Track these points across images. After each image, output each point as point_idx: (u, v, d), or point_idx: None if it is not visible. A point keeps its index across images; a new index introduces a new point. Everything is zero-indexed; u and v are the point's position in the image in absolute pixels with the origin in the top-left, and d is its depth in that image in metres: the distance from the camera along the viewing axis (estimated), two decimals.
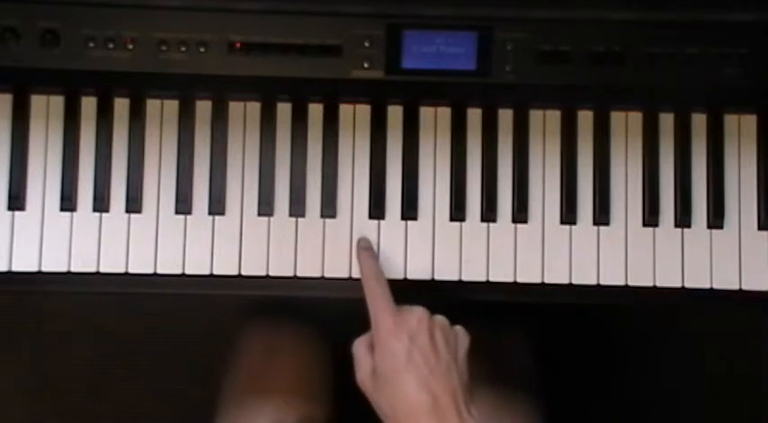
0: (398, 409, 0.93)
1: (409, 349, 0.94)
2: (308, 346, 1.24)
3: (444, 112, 1.10)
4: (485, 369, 1.21)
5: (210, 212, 1.08)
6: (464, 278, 1.08)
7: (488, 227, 1.09)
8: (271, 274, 1.07)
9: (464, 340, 0.98)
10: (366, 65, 1.07)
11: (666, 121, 1.11)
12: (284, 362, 1.22)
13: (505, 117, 1.10)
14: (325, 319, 1.28)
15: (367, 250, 1.05)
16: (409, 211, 1.09)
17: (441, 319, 0.97)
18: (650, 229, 1.09)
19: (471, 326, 1.27)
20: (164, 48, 1.06)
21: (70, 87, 1.08)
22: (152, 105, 1.09)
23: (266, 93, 1.09)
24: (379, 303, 0.98)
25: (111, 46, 1.05)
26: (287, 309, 1.28)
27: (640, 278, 1.08)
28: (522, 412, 1.18)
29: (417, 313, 0.96)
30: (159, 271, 1.07)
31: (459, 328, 0.99)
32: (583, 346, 1.71)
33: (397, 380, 0.93)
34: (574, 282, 1.08)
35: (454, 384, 0.93)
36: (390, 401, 0.94)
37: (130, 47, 1.06)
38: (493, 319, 1.30)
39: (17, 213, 1.07)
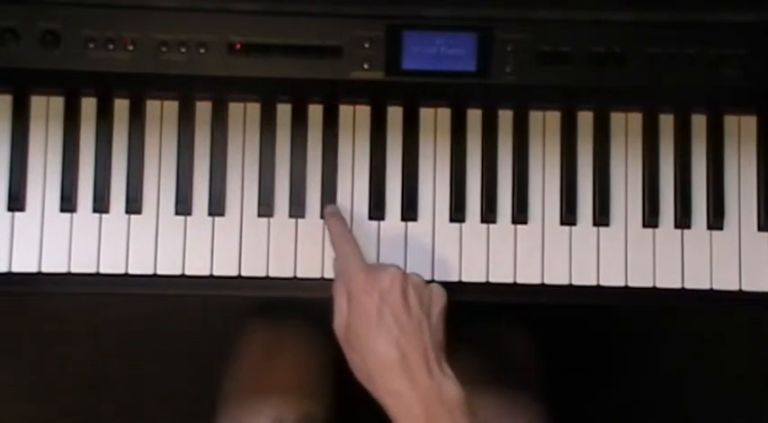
0: (369, 365, 0.94)
1: (380, 307, 0.94)
2: (308, 344, 1.24)
3: (444, 113, 1.10)
4: (488, 370, 1.21)
5: (210, 213, 1.08)
6: (464, 279, 1.08)
7: (488, 228, 1.09)
8: (271, 274, 1.07)
9: (439, 299, 0.98)
10: (366, 66, 1.07)
11: (666, 121, 1.11)
12: (284, 361, 1.22)
13: (505, 118, 1.10)
14: (325, 318, 1.28)
15: (335, 214, 1.06)
16: (409, 211, 1.09)
17: (415, 276, 0.97)
18: (650, 229, 1.09)
19: (473, 327, 1.27)
20: (164, 49, 1.06)
21: (70, 88, 1.08)
22: (152, 106, 1.09)
23: (266, 93, 1.09)
24: (350, 260, 0.98)
25: (111, 47, 1.05)
26: (287, 308, 1.28)
27: (640, 279, 1.08)
28: (525, 413, 1.18)
29: (390, 271, 0.96)
30: (159, 272, 1.07)
31: (434, 285, 0.99)
32: (585, 346, 1.71)
33: (369, 337, 0.94)
34: (574, 282, 1.08)
35: (425, 341, 0.93)
36: (362, 357, 0.94)
37: (130, 48, 1.05)
38: (495, 320, 1.30)
39: (17, 214, 1.07)
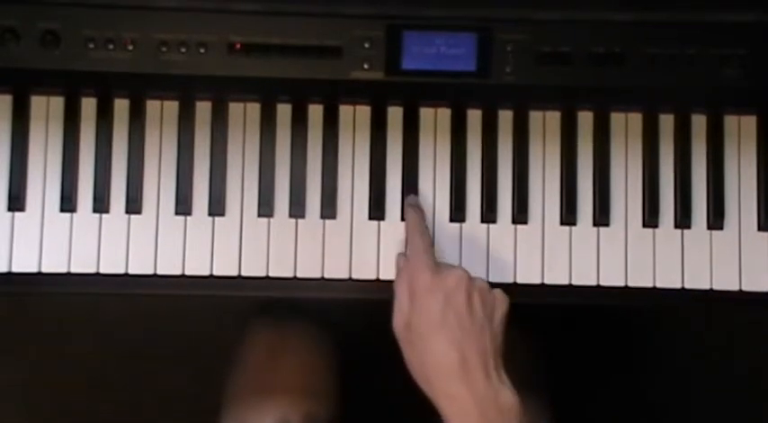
0: (427, 366, 0.93)
1: (444, 309, 0.94)
2: (312, 344, 1.24)
3: (444, 113, 1.10)
4: None
5: (210, 213, 1.08)
6: None
7: (488, 228, 1.09)
8: (271, 274, 1.07)
9: (502, 304, 0.98)
10: (366, 66, 1.07)
11: (666, 121, 1.11)
12: (289, 360, 1.22)
13: (505, 118, 1.10)
14: (329, 317, 1.28)
15: (414, 206, 1.05)
16: None
17: (480, 280, 0.97)
18: (650, 229, 1.09)
19: None
20: (164, 49, 1.06)
21: (70, 88, 1.08)
22: (152, 106, 1.09)
23: (266, 93, 1.09)
24: (419, 256, 0.98)
25: (111, 47, 1.05)
26: (291, 307, 1.28)
27: (640, 279, 1.08)
28: (528, 412, 1.18)
29: (456, 273, 0.96)
30: (159, 272, 1.07)
31: (498, 291, 0.98)
32: (585, 346, 1.71)
33: (429, 338, 0.93)
34: (574, 282, 1.08)
35: (485, 347, 0.93)
36: (420, 357, 0.94)
37: (130, 48, 1.05)
38: None
39: (17, 214, 1.07)
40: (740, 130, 1.11)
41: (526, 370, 1.25)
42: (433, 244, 1.03)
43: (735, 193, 1.10)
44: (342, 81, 1.07)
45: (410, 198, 1.07)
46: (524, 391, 1.20)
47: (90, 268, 1.06)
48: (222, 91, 1.09)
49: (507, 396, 0.92)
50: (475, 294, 0.95)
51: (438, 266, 0.97)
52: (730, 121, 1.11)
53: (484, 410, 0.91)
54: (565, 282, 1.08)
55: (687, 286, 1.09)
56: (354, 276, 1.07)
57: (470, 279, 0.96)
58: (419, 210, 1.06)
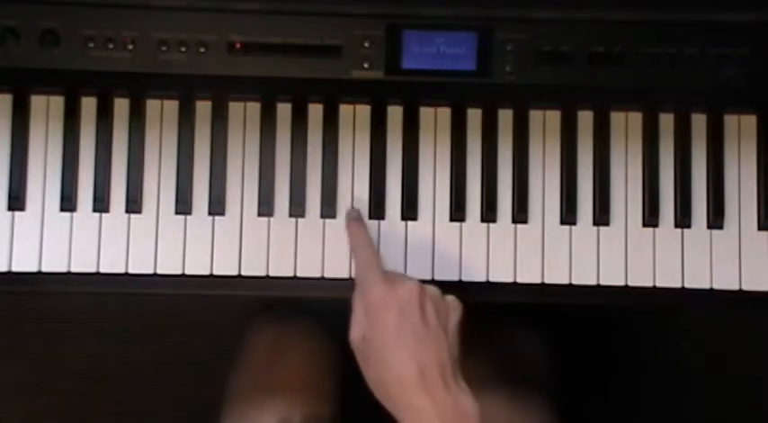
0: (386, 380, 0.94)
1: (399, 322, 0.94)
2: (314, 344, 1.24)
3: (444, 113, 1.10)
4: (496, 368, 1.21)
5: (210, 213, 1.08)
6: (464, 278, 1.08)
7: (488, 227, 1.09)
8: (271, 274, 1.07)
9: (456, 310, 0.98)
10: (366, 65, 1.07)
11: (666, 121, 1.11)
12: (289, 360, 1.22)
13: (505, 117, 1.10)
14: (330, 317, 1.28)
15: (356, 220, 1.06)
16: (409, 211, 1.09)
17: (432, 289, 0.97)
18: (650, 229, 1.09)
19: (482, 325, 1.27)
20: (164, 48, 1.06)
21: (70, 87, 1.08)
22: (152, 105, 1.09)
23: (266, 93, 1.09)
24: (369, 272, 0.98)
25: (111, 46, 1.05)
26: (292, 307, 1.28)
27: (640, 278, 1.08)
28: (533, 410, 1.18)
29: (408, 284, 0.96)
30: (159, 271, 1.07)
31: (450, 297, 0.98)
32: (585, 346, 1.71)
33: (387, 352, 0.94)
34: (574, 282, 1.08)
35: (443, 356, 0.93)
36: (379, 371, 0.94)
37: (130, 47, 1.06)
38: (503, 319, 1.30)
39: (17, 214, 1.07)
40: (740, 129, 1.11)
41: (527, 370, 1.25)
42: (378, 254, 1.03)
43: (735, 193, 1.10)
44: (342, 80, 1.07)
45: (351, 212, 1.07)
46: (525, 390, 1.21)
47: (90, 268, 1.06)
48: (222, 90, 1.09)
49: (467, 402, 0.92)
50: (428, 304, 0.95)
51: (388, 278, 0.97)
52: (730, 121, 1.11)
53: (445, 419, 0.91)
54: (565, 282, 1.08)
55: (687, 286, 1.09)
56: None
57: (422, 289, 0.96)
58: (361, 223, 1.06)
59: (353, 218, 1.06)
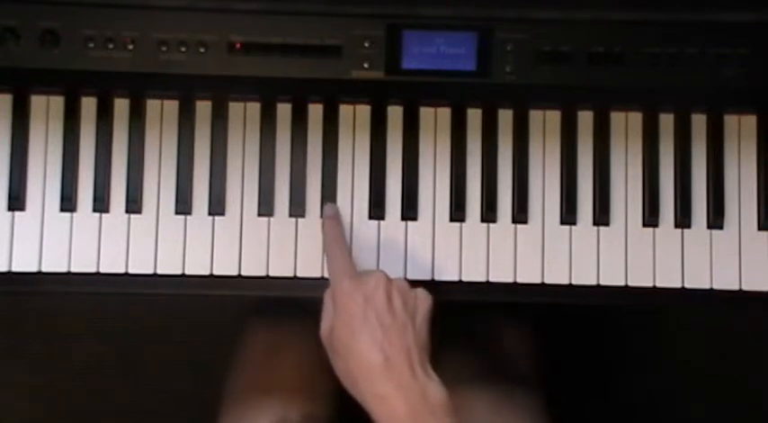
0: (353, 369, 0.94)
1: (364, 309, 0.94)
2: (311, 343, 1.24)
3: (444, 113, 1.10)
4: (486, 366, 1.21)
5: (210, 213, 1.08)
6: (464, 278, 1.08)
7: (488, 227, 1.09)
8: (271, 274, 1.07)
9: (424, 302, 0.98)
10: (366, 65, 1.07)
11: (666, 121, 1.11)
12: (287, 359, 1.22)
13: (505, 117, 1.10)
14: None
15: (332, 218, 1.06)
16: (409, 211, 1.09)
17: (399, 281, 0.98)
18: (650, 229, 1.09)
19: (471, 323, 1.27)
20: (164, 48, 1.06)
21: (70, 87, 1.08)
22: (152, 105, 1.09)
23: (266, 93, 1.09)
24: (338, 266, 0.99)
25: (111, 46, 1.05)
26: (291, 307, 1.28)
27: (640, 278, 1.08)
28: (523, 408, 1.18)
29: (375, 275, 0.97)
30: (159, 271, 1.07)
31: (419, 290, 0.99)
32: (585, 345, 1.71)
33: (352, 339, 0.94)
34: (574, 282, 1.08)
35: (409, 344, 0.93)
36: (346, 361, 0.95)
37: (130, 47, 1.06)
38: (493, 317, 1.30)
39: (17, 214, 1.07)
40: (740, 129, 1.11)
41: (526, 369, 1.25)
42: (350, 252, 1.04)
43: (735, 193, 1.10)
44: (342, 80, 1.07)
45: (328, 208, 1.07)
46: (523, 389, 1.21)
47: (90, 268, 1.06)
48: (222, 90, 1.09)
49: (435, 390, 0.92)
50: (394, 293, 0.96)
51: (358, 273, 0.98)
52: (730, 121, 1.11)
53: (412, 407, 0.91)
54: (565, 281, 1.08)
55: (687, 286, 1.09)
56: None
57: (389, 280, 0.97)
58: (337, 221, 1.06)
59: (329, 215, 1.06)
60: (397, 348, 0.93)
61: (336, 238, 1.04)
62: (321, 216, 1.08)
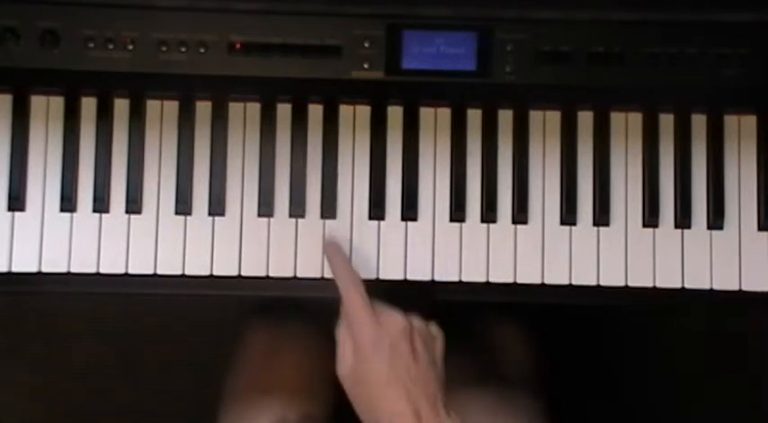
0: (378, 415, 0.95)
1: (391, 362, 0.95)
2: (311, 344, 1.24)
3: (444, 113, 1.10)
4: (484, 367, 1.21)
5: (210, 213, 1.08)
6: (464, 278, 1.08)
7: (488, 227, 1.09)
8: (271, 274, 1.07)
9: (439, 338, 0.99)
10: (366, 65, 1.07)
11: (666, 121, 1.11)
12: (287, 360, 1.22)
13: (505, 117, 1.10)
14: (327, 317, 1.28)
15: (338, 255, 1.04)
16: (409, 211, 1.09)
17: (417, 321, 0.98)
18: (650, 229, 1.09)
19: (471, 324, 1.27)
20: (164, 48, 1.06)
21: (70, 88, 1.08)
22: (152, 106, 1.09)
23: (266, 93, 1.09)
24: (355, 307, 0.98)
25: (110, 46, 1.05)
26: (289, 307, 1.28)
27: (640, 279, 1.08)
28: (522, 409, 1.18)
29: (396, 321, 0.96)
30: (159, 271, 1.07)
31: (432, 326, 0.99)
32: (584, 346, 1.71)
33: (381, 393, 0.95)
34: (574, 282, 1.08)
35: (434, 389, 0.95)
36: (370, 405, 0.95)
37: (130, 47, 1.06)
38: (493, 317, 1.30)
39: (17, 214, 1.07)
40: (740, 130, 1.11)
41: (526, 369, 1.25)
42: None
43: (735, 193, 1.10)
44: (342, 81, 1.07)
45: (329, 241, 1.06)
46: (523, 388, 1.21)
47: (90, 268, 1.06)
48: (222, 91, 1.09)
49: None
50: (417, 339, 0.96)
51: (375, 313, 0.97)
52: (730, 121, 1.11)
53: None
54: (565, 282, 1.08)
55: (687, 286, 1.09)
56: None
57: (410, 325, 0.97)
58: (340, 253, 1.05)
59: (332, 249, 1.05)
60: (425, 398, 0.94)
61: (347, 272, 1.01)
62: (322, 217, 1.08)
